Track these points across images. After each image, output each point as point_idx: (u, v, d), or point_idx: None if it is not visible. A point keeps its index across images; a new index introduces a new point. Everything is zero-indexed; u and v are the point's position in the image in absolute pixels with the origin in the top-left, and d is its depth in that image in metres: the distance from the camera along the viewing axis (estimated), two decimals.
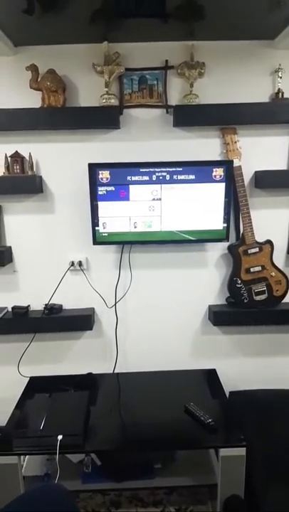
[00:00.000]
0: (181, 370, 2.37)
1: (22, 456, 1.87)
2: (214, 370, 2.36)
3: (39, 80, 2.01)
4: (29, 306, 2.30)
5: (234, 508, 1.77)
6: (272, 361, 2.46)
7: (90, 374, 2.32)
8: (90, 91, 2.10)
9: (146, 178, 2.05)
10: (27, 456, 2.01)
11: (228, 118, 2.10)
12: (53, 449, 1.69)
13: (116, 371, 2.40)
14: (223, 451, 1.76)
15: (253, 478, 1.78)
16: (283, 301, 2.30)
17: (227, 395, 2.20)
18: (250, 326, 2.40)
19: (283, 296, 2.29)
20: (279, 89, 2.12)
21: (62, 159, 2.17)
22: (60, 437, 1.70)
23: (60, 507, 1.18)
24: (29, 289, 2.32)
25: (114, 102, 2.07)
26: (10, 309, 2.30)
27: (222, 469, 1.77)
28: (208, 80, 2.11)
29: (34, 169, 2.13)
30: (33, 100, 2.05)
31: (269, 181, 2.18)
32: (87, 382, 2.26)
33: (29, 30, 1.90)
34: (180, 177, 2.06)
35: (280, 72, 2.10)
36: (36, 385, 2.24)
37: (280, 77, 2.11)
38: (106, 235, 2.12)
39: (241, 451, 1.75)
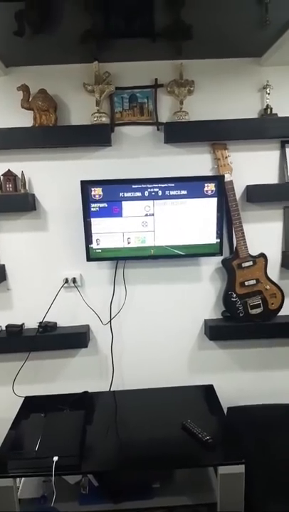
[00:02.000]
0: (177, 387, 2.34)
1: (18, 479, 1.83)
2: (211, 385, 2.34)
3: (30, 99, 2.04)
4: (23, 324, 2.27)
5: None
6: (270, 375, 2.44)
7: (85, 393, 2.29)
8: (81, 110, 2.12)
9: (138, 194, 2.07)
10: (23, 478, 1.97)
11: (218, 134, 2.13)
12: (49, 471, 1.65)
13: (112, 389, 2.37)
14: (221, 469, 1.73)
15: (253, 496, 1.75)
16: (279, 314, 2.30)
17: (225, 410, 2.18)
18: (247, 340, 2.39)
19: (279, 309, 2.29)
20: (267, 105, 2.16)
21: (54, 177, 2.19)
22: (55, 458, 1.67)
23: None
24: (23, 307, 2.30)
25: (105, 120, 2.09)
26: (4, 328, 2.27)
27: (221, 487, 1.74)
28: (197, 97, 2.14)
29: (27, 187, 2.14)
30: (24, 119, 2.07)
31: (261, 195, 2.20)
32: (83, 401, 2.23)
33: (20, 51, 1.94)
34: (172, 192, 2.08)
35: (267, 89, 2.14)
36: (31, 405, 2.20)
37: (268, 94, 2.14)
38: (100, 251, 2.12)
39: (240, 468, 1.72)
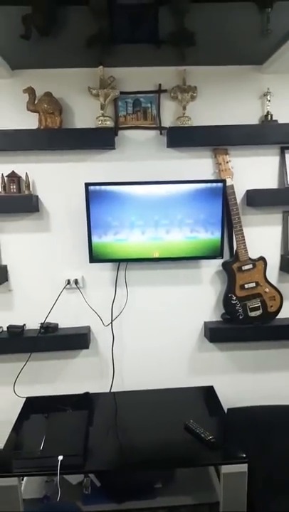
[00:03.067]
0: (178, 388, 2.36)
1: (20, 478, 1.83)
2: (212, 387, 2.36)
3: (36, 102, 2.06)
4: (25, 325, 2.28)
5: None
6: (269, 377, 2.48)
7: (87, 393, 2.30)
8: (86, 113, 2.15)
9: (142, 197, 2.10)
10: (25, 479, 1.96)
11: (219, 139, 2.17)
12: (53, 470, 1.66)
13: (113, 390, 2.37)
14: (224, 468, 1.75)
15: (255, 495, 1.77)
16: (278, 316, 2.33)
17: (225, 411, 2.20)
18: (246, 342, 2.42)
19: (277, 311, 2.32)
20: (268, 111, 2.21)
21: (58, 179, 2.21)
22: (60, 458, 1.68)
23: None
24: (25, 308, 2.31)
25: (109, 123, 2.12)
26: (5, 329, 2.27)
27: (224, 486, 1.75)
28: (200, 102, 2.18)
29: (31, 189, 2.15)
30: (30, 122, 2.09)
31: (260, 200, 2.24)
32: (85, 402, 2.24)
33: (26, 54, 1.96)
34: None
35: (268, 96, 2.20)
36: (33, 406, 2.21)
37: (269, 100, 2.20)
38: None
39: (243, 467, 1.74)
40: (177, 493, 1.93)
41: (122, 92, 2.13)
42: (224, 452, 1.82)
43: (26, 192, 2.14)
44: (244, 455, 1.77)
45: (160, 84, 2.17)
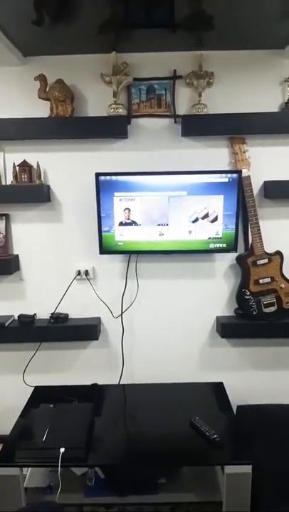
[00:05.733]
0: (187, 383, 2.33)
1: (25, 468, 1.85)
2: (221, 383, 2.31)
3: (47, 89, 2.02)
4: (35, 314, 2.29)
5: None
6: (281, 375, 2.41)
7: (95, 385, 2.30)
8: (98, 101, 2.10)
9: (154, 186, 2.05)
10: (30, 468, 1.98)
11: (236, 128, 2.09)
12: (55, 462, 1.66)
13: (121, 382, 2.36)
14: (228, 468, 1.72)
15: (261, 496, 1.72)
16: None
17: (234, 408, 2.15)
18: (259, 339, 2.35)
19: None
20: (288, 98, 2.09)
21: (70, 168, 2.18)
22: (62, 450, 1.68)
23: None
24: (35, 297, 2.31)
25: (122, 111, 2.06)
26: (16, 317, 2.29)
27: (227, 487, 1.73)
28: (216, 89, 2.09)
29: (42, 178, 2.13)
30: (41, 110, 2.06)
31: (278, 191, 2.14)
32: (92, 393, 2.24)
33: (38, 41, 1.92)
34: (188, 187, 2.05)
35: None
36: (41, 395, 2.22)
37: None
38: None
39: (247, 468, 1.70)
40: (181, 489, 1.92)
41: (135, 79, 2.06)
42: (228, 452, 1.78)
43: (37, 181, 2.12)
44: (249, 456, 1.72)
45: (175, 70, 2.09)
